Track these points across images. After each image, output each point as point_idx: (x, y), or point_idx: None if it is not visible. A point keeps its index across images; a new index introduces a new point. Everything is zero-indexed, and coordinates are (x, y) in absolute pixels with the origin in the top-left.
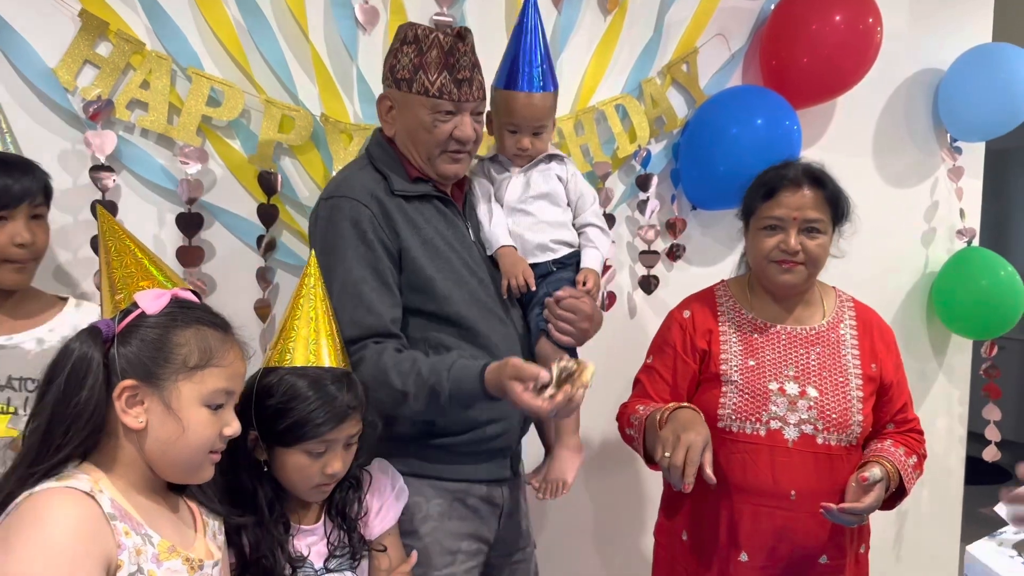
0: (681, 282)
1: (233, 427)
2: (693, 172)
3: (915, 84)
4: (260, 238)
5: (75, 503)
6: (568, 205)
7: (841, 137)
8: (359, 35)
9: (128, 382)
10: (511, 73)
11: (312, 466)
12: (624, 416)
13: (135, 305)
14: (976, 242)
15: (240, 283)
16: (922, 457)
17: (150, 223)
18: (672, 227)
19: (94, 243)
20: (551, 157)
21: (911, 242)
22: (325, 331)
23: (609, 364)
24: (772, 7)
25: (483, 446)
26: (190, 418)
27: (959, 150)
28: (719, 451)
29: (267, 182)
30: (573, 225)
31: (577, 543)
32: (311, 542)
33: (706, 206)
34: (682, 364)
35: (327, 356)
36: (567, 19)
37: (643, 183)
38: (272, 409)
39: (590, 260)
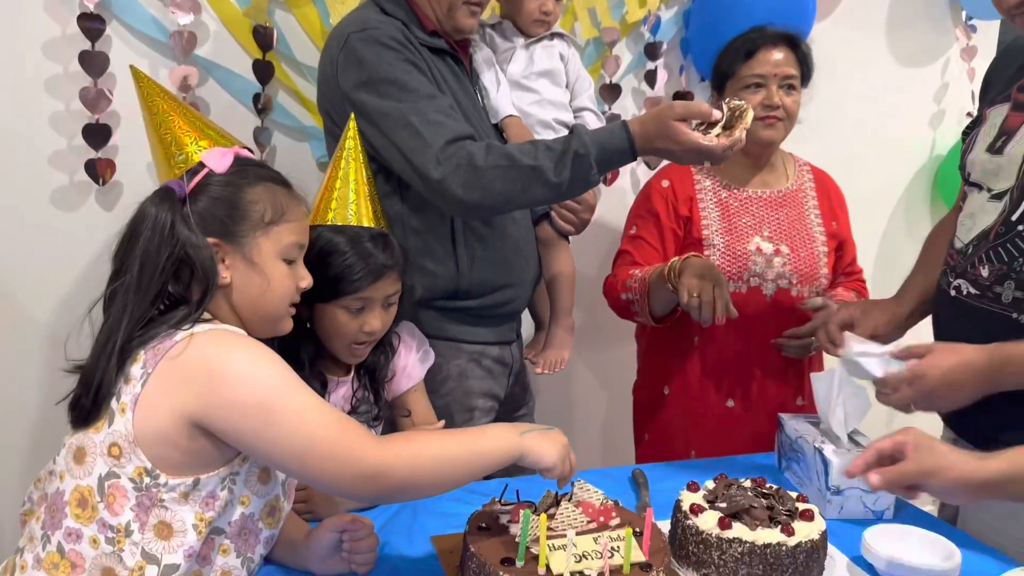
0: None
1: (307, 279)
2: (704, 41)
3: None
4: (256, 97)
5: (248, 337)
6: (566, 87)
7: (854, 11)
8: None
9: (210, 240)
10: None
11: (351, 323)
12: (615, 285)
13: (201, 165)
14: None
15: None
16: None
17: None
18: (680, 99)
19: (83, 95)
20: (554, 34)
21: (919, 123)
22: (364, 193)
23: (610, 240)
24: None
25: (497, 310)
26: (272, 272)
27: (973, 28)
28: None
29: (262, 37)
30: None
31: (568, 403)
32: (342, 393)
33: None
34: (668, 231)
35: (365, 216)
36: None
37: (652, 52)
38: (311, 264)
39: None
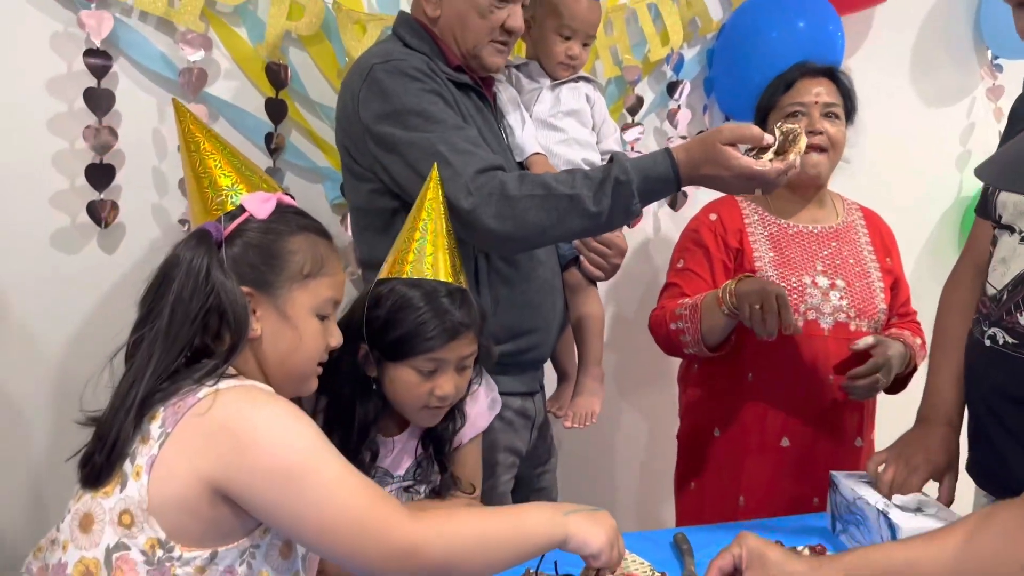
0: (712, 199)
1: (337, 338)
2: (728, 80)
3: None
4: (268, 136)
5: (277, 395)
6: (592, 128)
7: (878, 51)
8: None
9: (243, 289)
10: None
11: (421, 385)
12: (663, 316)
13: (241, 209)
14: None
15: None
16: (924, 342)
17: (149, 115)
18: None
19: (87, 134)
20: (580, 77)
21: (945, 165)
22: (443, 245)
23: (632, 284)
24: None
25: (521, 357)
26: (305, 327)
27: (999, 67)
28: (758, 344)
29: (275, 75)
30: None
31: (594, 456)
32: (394, 451)
33: (741, 117)
34: (718, 262)
35: (443, 270)
36: None
37: (674, 90)
38: (382, 320)
39: None
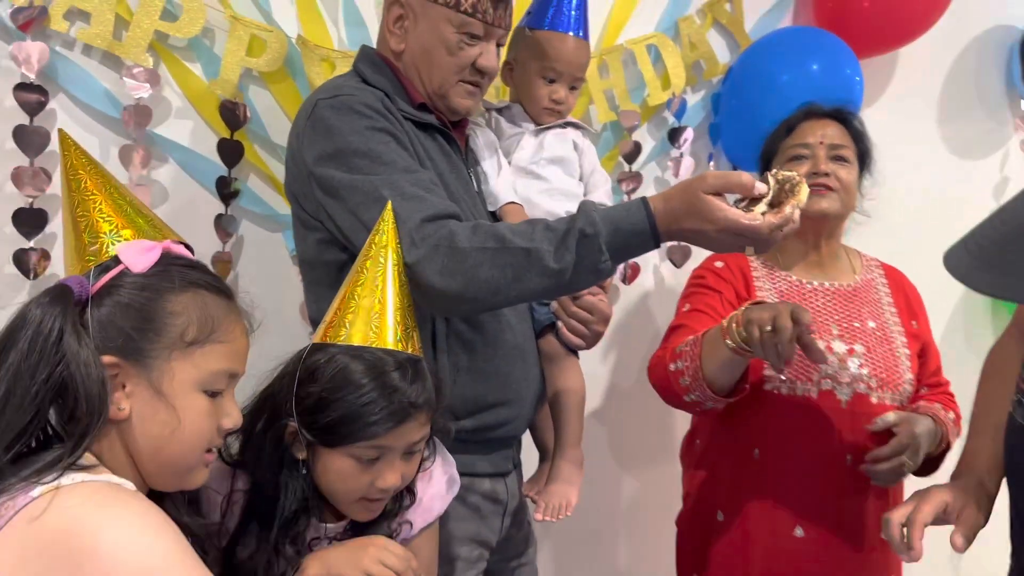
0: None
1: (233, 419)
2: (735, 127)
3: (988, 41)
4: (221, 180)
5: (133, 494)
6: (580, 179)
7: (903, 98)
8: None
9: (107, 359)
10: (557, 12)
11: (360, 476)
12: (663, 358)
13: (116, 260)
14: None
15: (196, 233)
16: (959, 416)
17: None
18: None
19: (15, 175)
20: (567, 123)
21: (977, 221)
22: (395, 303)
23: (629, 345)
24: None
25: (488, 434)
26: (186, 406)
27: None
28: (766, 416)
29: (231, 114)
30: None
31: (585, 542)
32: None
33: (748, 167)
34: (727, 306)
35: (392, 335)
36: None
37: (676, 137)
38: (315, 397)
39: None
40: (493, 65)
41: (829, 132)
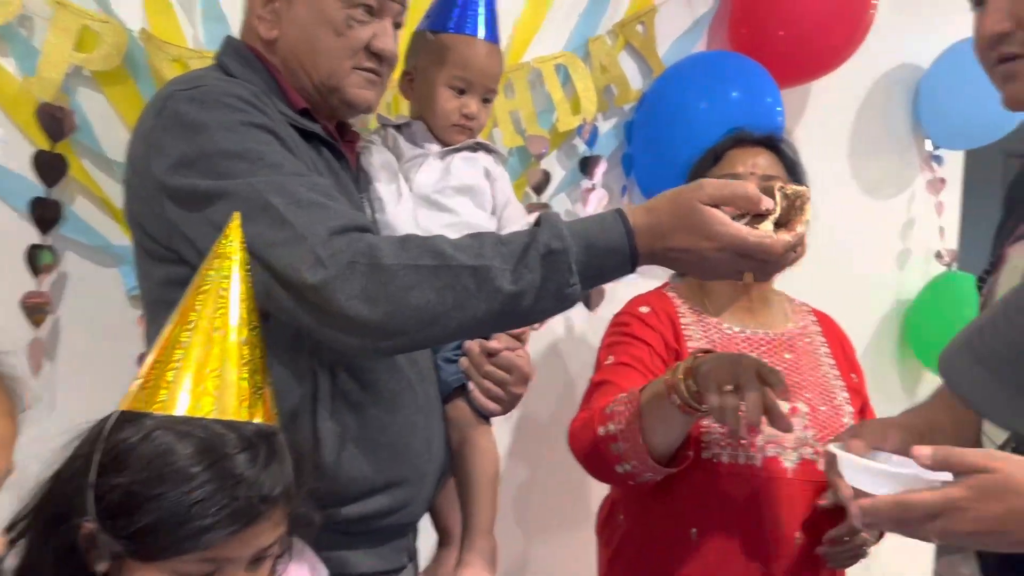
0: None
1: None
2: (649, 157)
3: (895, 80)
4: (37, 201)
5: None
6: (492, 212)
7: (815, 132)
8: None
9: None
10: (463, 13)
11: None
12: (590, 421)
13: None
14: (956, 266)
15: (2, 266)
16: None
17: None
18: None
19: None
20: (478, 144)
21: (884, 262)
22: (235, 356)
23: (535, 410)
24: None
25: (380, 521)
26: None
27: (939, 160)
28: (705, 489)
29: (52, 120)
30: None
31: None
32: None
33: None
34: (656, 358)
35: (233, 400)
36: None
37: (589, 168)
38: (125, 490)
39: None
40: (392, 48)
41: (760, 161)
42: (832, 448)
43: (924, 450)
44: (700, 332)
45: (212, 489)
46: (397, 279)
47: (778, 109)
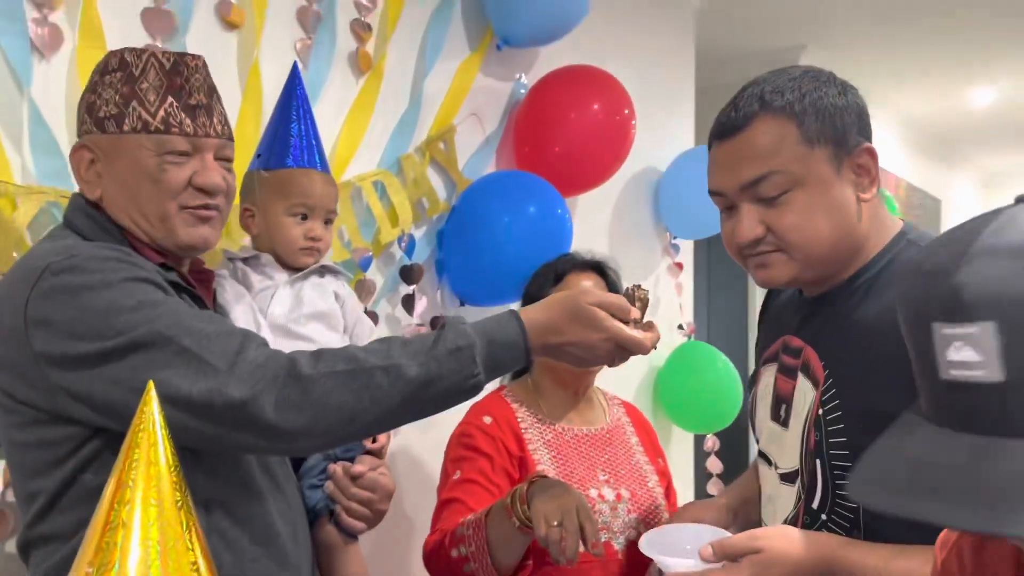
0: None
1: None
2: (458, 262)
3: (640, 183)
4: None
5: None
6: (344, 331)
7: (585, 230)
8: (34, 61)
9: None
10: (294, 150)
11: None
12: (442, 541)
13: None
14: (694, 336)
15: None
16: None
17: None
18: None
19: None
20: (324, 268)
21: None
22: (185, 554)
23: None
24: (524, 91)
25: None
26: None
27: (677, 248)
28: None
29: None
30: None
31: None
32: None
33: (475, 302)
34: (501, 471)
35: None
36: (315, 77)
37: (409, 275)
38: None
39: None
40: (213, 180)
41: (591, 284)
42: (645, 534)
43: (706, 549)
44: (538, 435)
45: None
46: (317, 386)
47: (567, 219)
